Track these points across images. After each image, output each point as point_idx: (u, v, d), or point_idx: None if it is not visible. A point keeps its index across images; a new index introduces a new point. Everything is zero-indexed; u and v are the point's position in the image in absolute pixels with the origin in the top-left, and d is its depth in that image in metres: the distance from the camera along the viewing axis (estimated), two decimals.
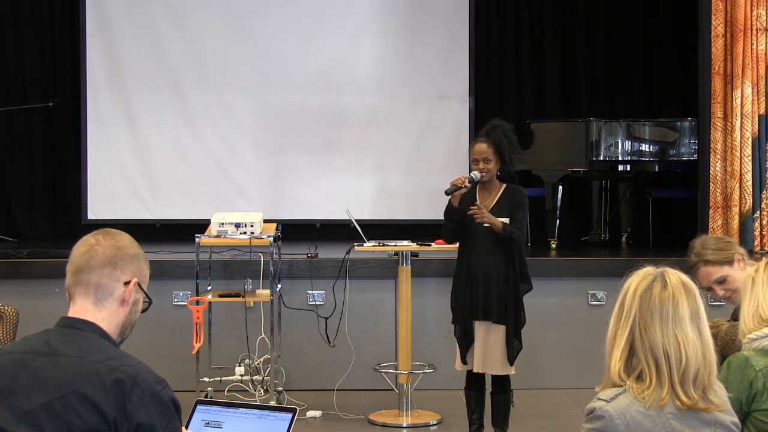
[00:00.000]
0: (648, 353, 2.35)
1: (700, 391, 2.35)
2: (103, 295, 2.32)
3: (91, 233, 2.39)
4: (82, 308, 2.31)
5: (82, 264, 2.33)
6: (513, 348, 5.26)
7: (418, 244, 6.07)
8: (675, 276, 2.43)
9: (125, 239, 2.39)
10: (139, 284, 2.37)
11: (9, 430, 2.13)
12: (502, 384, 5.35)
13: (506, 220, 5.23)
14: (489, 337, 5.26)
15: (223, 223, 5.99)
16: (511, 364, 5.27)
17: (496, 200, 5.32)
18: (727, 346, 3.45)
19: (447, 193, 5.30)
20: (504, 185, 5.36)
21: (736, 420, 2.43)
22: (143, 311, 2.41)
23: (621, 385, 2.37)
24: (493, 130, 5.32)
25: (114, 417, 2.14)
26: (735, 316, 3.60)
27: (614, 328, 2.43)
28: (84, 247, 2.35)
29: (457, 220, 5.32)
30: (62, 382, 2.17)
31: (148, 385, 2.18)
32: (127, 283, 2.34)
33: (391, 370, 6.27)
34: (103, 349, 2.25)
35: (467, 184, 5.26)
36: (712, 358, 2.39)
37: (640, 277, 2.44)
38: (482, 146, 5.30)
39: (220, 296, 6.18)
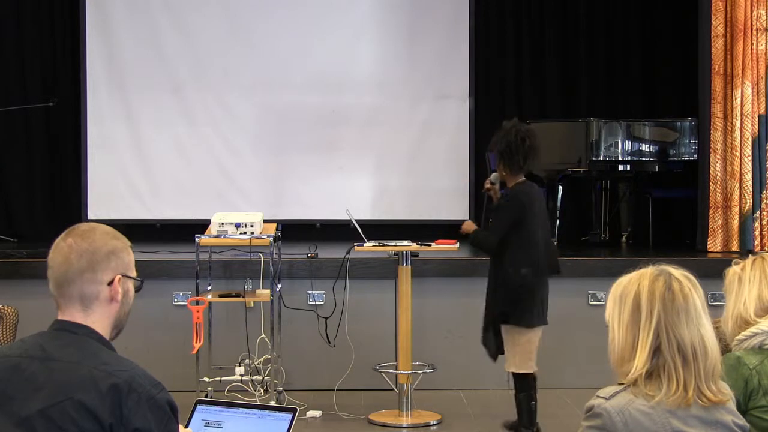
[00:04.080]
0: (675, 353, 2.33)
1: (716, 383, 2.36)
2: (88, 301, 2.28)
3: (63, 234, 2.31)
4: (70, 316, 2.28)
5: (61, 277, 2.27)
6: None
7: (418, 244, 6.07)
8: (678, 271, 2.43)
9: (98, 236, 2.30)
10: (124, 275, 2.31)
11: None
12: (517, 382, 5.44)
13: None
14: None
15: (223, 223, 5.98)
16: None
17: (496, 204, 5.58)
18: (727, 348, 3.44)
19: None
20: (510, 188, 5.47)
21: (740, 421, 2.42)
22: (137, 291, 2.36)
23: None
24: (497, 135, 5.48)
25: (110, 423, 2.12)
26: None
27: (630, 333, 2.38)
28: (59, 257, 2.28)
29: None
30: (58, 389, 2.15)
31: (143, 389, 2.16)
32: (110, 282, 2.29)
33: (391, 370, 6.27)
34: (99, 354, 2.22)
35: (487, 186, 5.65)
36: (718, 347, 2.40)
37: (650, 278, 2.41)
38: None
39: (220, 296, 6.17)
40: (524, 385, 5.34)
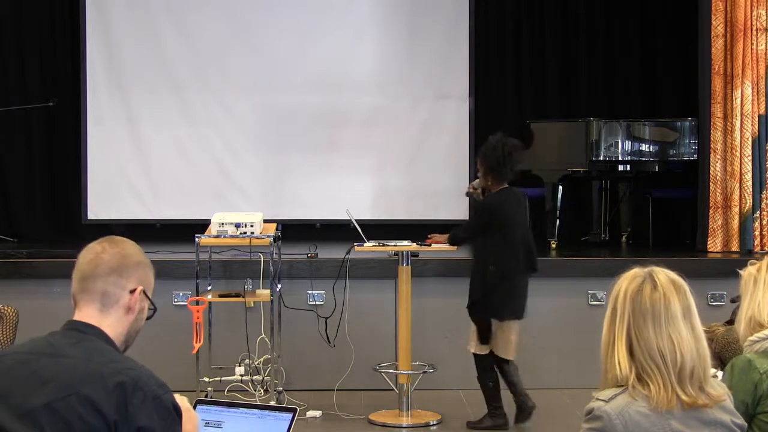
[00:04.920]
0: (646, 355, 2.35)
1: (697, 386, 2.35)
2: (108, 302, 2.33)
3: (97, 240, 2.40)
4: (87, 315, 2.33)
5: (88, 272, 2.34)
6: None
7: (418, 244, 6.08)
8: (663, 274, 2.42)
9: (130, 247, 2.40)
10: (144, 292, 2.37)
11: (9, 428, 2.14)
12: None
13: None
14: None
15: (223, 223, 5.99)
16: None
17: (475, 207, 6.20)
18: (724, 350, 3.43)
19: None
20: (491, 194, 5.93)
21: (738, 420, 2.42)
22: (148, 318, 2.42)
23: (622, 386, 2.37)
24: (483, 146, 5.95)
25: (115, 419, 2.15)
26: (732, 319, 3.57)
27: (610, 333, 2.41)
28: (90, 255, 2.36)
29: None
30: (64, 383, 2.18)
31: (149, 388, 2.19)
32: (132, 291, 2.35)
33: (391, 370, 6.27)
34: (106, 353, 2.26)
35: (470, 190, 6.14)
36: (705, 352, 2.39)
37: (629, 279, 2.43)
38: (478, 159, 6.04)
39: (220, 296, 6.18)
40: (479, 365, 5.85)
